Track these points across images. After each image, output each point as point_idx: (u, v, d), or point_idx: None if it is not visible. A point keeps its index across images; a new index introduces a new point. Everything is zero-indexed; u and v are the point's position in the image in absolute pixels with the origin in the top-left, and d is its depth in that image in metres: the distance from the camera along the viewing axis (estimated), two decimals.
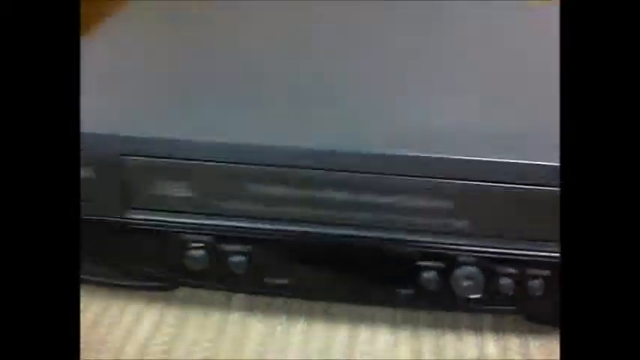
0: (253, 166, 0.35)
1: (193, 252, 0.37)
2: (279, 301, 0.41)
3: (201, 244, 0.37)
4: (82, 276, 0.39)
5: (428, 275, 0.36)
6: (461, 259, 0.35)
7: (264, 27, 0.50)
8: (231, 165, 0.35)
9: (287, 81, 0.41)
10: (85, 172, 0.35)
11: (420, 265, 0.36)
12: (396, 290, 0.37)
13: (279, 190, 0.35)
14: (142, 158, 0.35)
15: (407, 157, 0.34)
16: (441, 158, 0.33)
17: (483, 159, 0.33)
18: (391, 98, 0.39)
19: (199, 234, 0.37)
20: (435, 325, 0.40)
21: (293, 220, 0.36)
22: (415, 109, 0.38)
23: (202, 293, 0.42)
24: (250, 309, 0.41)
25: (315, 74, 0.42)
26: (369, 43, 0.47)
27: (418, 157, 0.34)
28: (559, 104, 0.26)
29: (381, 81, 0.41)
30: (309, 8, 0.54)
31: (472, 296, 0.36)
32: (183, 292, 0.42)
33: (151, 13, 0.54)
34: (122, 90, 0.40)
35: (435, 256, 0.35)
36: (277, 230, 0.36)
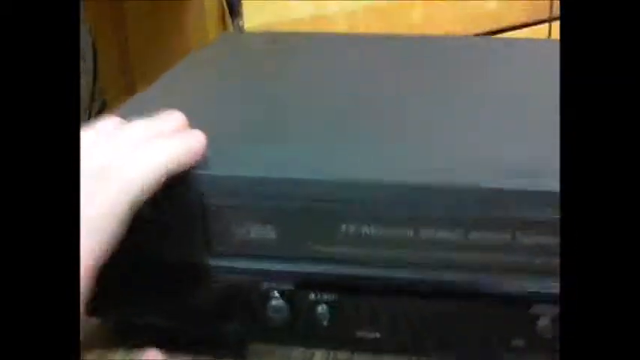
0: (344, 204, 0.32)
1: (274, 302, 0.33)
2: (364, 356, 0.37)
3: (282, 293, 0.33)
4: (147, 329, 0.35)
5: (545, 322, 0.32)
6: None
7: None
8: (319, 203, 0.32)
9: (372, 117, 0.40)
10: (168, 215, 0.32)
11: (535, 311, 0.32)
12: (507, 341, 0.32)
13: (373, 230, 0.32)
14: (224, 198, 0.32)
15: (518, 191, 0.30)
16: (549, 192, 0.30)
17: None
18: (467, 136, 0.37)
19: (281, 280, 0.33)
20: None
21: (388, 264, 0.32)
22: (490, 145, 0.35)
23: (279, 350, 0.37)
24: None
25: (394, 114, 0.40)
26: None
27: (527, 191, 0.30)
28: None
29: (449, 123, 0.39)
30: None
31: None
32: (259, 348, 0.38)
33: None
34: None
35: (554, 300, 0.31)
36: (370, 275, 0.33)
